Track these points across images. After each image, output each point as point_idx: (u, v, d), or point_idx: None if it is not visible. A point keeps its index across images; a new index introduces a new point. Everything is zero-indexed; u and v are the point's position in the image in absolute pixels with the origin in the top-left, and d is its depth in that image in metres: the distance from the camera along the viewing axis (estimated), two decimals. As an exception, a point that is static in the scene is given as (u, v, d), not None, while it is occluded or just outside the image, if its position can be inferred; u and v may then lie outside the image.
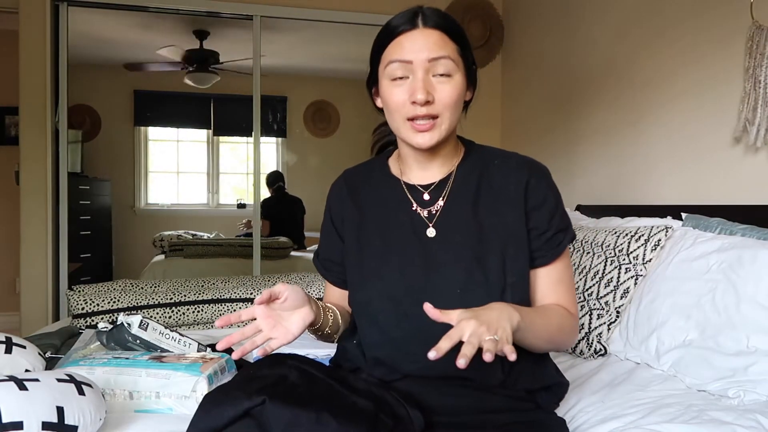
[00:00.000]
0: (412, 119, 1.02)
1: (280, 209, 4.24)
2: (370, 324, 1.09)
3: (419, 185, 1.12)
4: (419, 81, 1.00)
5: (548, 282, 1.09)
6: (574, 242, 1.96)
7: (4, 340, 1.30)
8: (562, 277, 1.10)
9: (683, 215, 1.86)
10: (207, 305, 2.18)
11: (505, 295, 1.03)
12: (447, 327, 1.01)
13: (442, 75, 1.02)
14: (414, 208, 1.11)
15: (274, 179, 4.22)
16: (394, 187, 1.14)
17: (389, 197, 1.14)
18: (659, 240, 1.73)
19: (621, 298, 1.70)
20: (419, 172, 1.13)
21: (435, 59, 1.01)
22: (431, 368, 0.96)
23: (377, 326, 1.08)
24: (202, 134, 4.38)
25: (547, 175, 1.11)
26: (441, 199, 1.10)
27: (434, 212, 1.09)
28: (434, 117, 1.02)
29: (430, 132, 1.02)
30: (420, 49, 1.01)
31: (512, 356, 0.80)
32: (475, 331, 0.82)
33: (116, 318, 1.87)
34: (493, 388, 1.04)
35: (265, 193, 4.07)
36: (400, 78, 1.03)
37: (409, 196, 1.12)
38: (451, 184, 1.11)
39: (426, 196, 1.11)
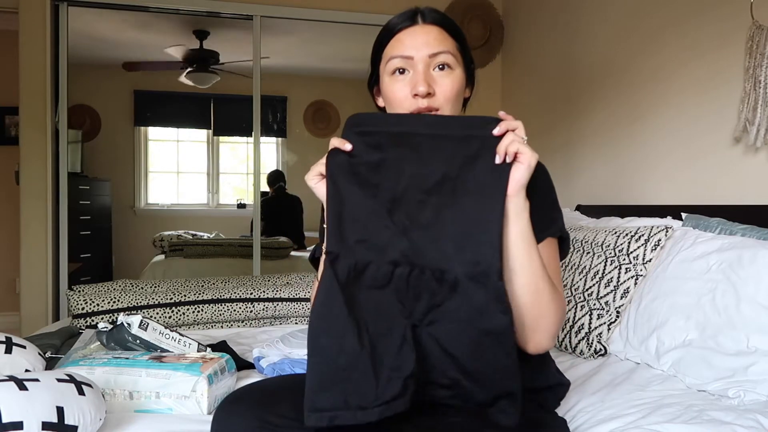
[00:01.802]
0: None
1: (280, 209, 4.24)
2: None
3: None
4: (420, 74, 1.02)
5: None
6: (572, 245, 1.97)
7: (4, 340, 1.30)
8: (547, 263, 1.01)
9: (683, 215, 1.86)
10: (207, 305, 2.18)
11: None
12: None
13: (442, 69, 1.03)
14: None
15: (275, 179, 4.22)
16: None
17: None
18: (659, 240, 1.73)
19: (621, 298, 1.70)
20: None
21: (435, 54, 1.02)
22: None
23: None
24: (202, 134, 4.38)
25: (544, 169, 1.09)
26: None
27: None
28: (435, 110, 1.03)
29: None
30: (420, 44, 1.02)
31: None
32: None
33: (116, 318, 1.87)
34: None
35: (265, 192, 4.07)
36: (401, 73, 1.04)
37: None
38: None
39: None
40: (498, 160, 0.91)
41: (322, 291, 0.90)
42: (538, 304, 0.95)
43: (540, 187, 1.06)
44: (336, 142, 0.95)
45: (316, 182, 0.97)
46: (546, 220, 1.04)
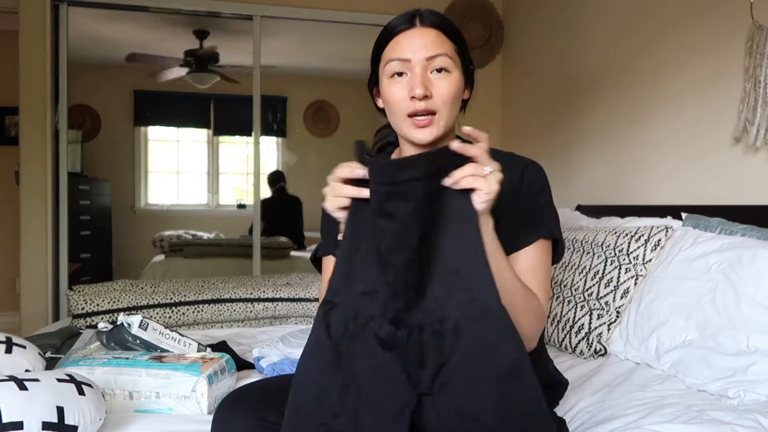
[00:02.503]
0: (411, 115, 1.03)
1: (280, 209, 4.24)
2: None
3: None
4: (417, 76, 1.02)
5: (517, 267, 1.03)
6: (572, 245, 1.97)
7: (4, 340, 1.30)
8: (535, 265, 1.04)
9: (683, 215, 1.86)
10: (207, 305, 2.18)
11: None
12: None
13: (439, 72, 1.03)
14: None
15: (276, 179, 4.23)
16: None
17: None
18: (659, 240, 1.73)
19: (621, 298, 1.70)
20: None
21: (432, 57, 1.02)
22: None
23: None
24: (202, 134, 4.38)
25: (540, 169, 1.10)
26: None
27: None
28: (432, 113, 1.03)
29: (429, 128, 1.04)
30: (418, 47, 1.03)
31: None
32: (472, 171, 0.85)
33: (116, 318, 1.87)
34: None
35: (266, 192, 4.07)
36: (399, 75, 1.04)
37: None
38: None
39: None
40: (447, 182, 0.84)
41: (310, 343, 0.85)
42: (511, 315, 0.95)
43: (532, 188, 1.06)
44: (360, 173, 0.88)
45: (338, 214, 0.92)
46: (536, 222, 1.05)
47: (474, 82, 1.12)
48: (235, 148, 4.50)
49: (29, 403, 0.95)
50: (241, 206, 4.38)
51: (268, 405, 0.92)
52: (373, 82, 1.13)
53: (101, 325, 1.48)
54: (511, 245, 1.03)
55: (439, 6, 3.45)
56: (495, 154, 1.14)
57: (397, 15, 1.07)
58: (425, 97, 1.01)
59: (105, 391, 1.22)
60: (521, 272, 1.02)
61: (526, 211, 1.05)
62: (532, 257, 1.04)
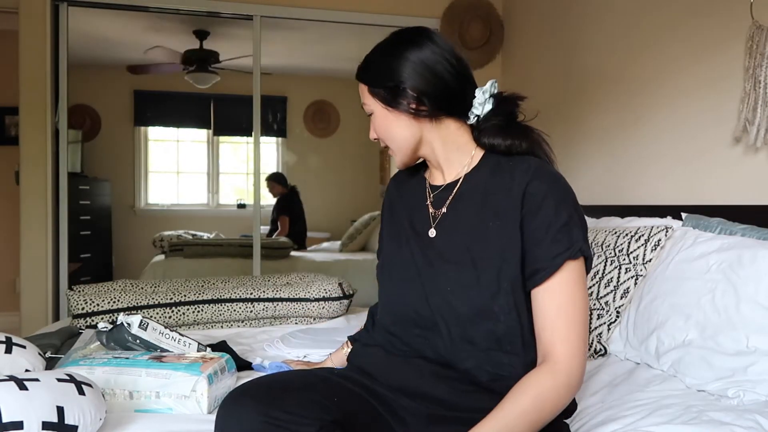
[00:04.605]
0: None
1: (293, 207, 4.25)
2: (381, 307, 1.23)
3: (434, 185, 1.19)
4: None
5: (547, 310, 0.99)
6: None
7: (4, 340, 1.30)
8: (562, 305, 0.98)
9: (683, 215, 1.86)
10: (207, 305, 2.18)
11: (497, 298, 1.02)
12: (434, 318, 1.07)
13: (370, 116, 1.16)
14: (428, 206, 1.17)
15: (283, 178, 4.25)
16: (419, 185, 1.22)
17: (415, 194, 1.22)
18: (659, 240, 1.73)
19: (621, 298, 1.71)
20: (436, 173, 1.20)
21: (363, 105, 1.15)
22: (417, 352, 1.09)
23: (384, 309, 1.20)
24: (202, 134, 4.38)
25: (551, 181, 1.05)
26: (448, 200, 1.14)
27: (439, 214, 1.14)
28: (388, 147, 1.17)
29: (393, 157, 1.19)
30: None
31: None
32: None
33: (116, 318, 1.87)
34: (486, 387, 1.05)
35: (265, 193, 4.07)
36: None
37: (429, 195, 1.18)
38: (457, 189, 1.13)
39: (437, 197, 1.16)
40: None
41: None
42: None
43: (545, 209, 1.01)
44: None
45: None
46: (560, 243, 0.99)
47: (402, 94, 1.07)
48: (235, 148, 4.50)
49: (29, 402, 0.95)
50: (241, 206, 4.38)
51: (272, 401, 0.92)
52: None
53: (101, 325, 1.48)
54: (533, 275, 1.01)
55: (440, 6, 3.45)
56: (517, 157, 1.12)
57: None
58: (376, 139, 1.17)
59: (105, 391, 1.22)
60: (549, 318, 0.98)
61: (540, 238, 1.01)
62: (558, 293, 0.99)
